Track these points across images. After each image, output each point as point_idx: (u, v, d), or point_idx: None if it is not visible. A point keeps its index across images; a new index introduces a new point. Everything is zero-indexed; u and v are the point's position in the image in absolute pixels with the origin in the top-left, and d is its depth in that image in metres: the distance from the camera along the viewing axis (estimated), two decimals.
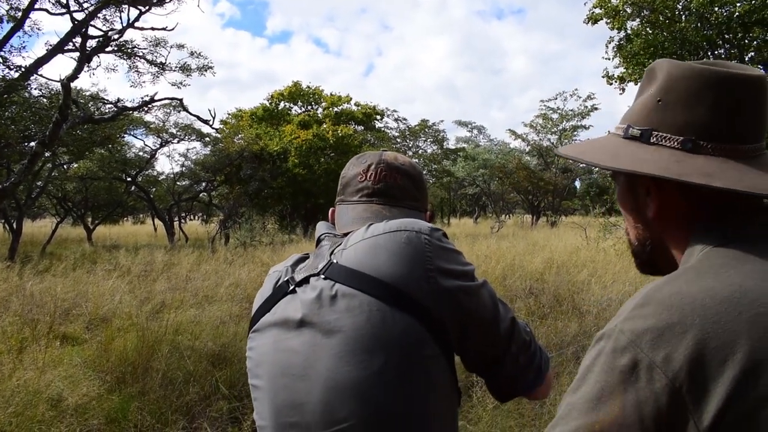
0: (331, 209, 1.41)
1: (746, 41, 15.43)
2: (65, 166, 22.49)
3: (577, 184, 54.12)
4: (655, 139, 0.86)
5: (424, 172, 32.01)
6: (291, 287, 1.17)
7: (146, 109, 17.98)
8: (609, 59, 17.05)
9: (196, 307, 7.68)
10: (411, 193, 1.35)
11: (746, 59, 15.48)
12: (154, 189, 27.05)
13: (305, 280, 1.16)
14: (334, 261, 1.13)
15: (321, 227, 1.32)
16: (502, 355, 1.15)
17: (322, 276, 1.12)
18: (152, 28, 15.52)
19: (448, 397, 1.11)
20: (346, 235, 1.23)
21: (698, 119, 0.82)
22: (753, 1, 13.81)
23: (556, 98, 41.71)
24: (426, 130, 41.24)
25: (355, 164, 1.38)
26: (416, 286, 1.07)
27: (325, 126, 26.78)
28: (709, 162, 0.81)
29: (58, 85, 13.36)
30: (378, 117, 31.55)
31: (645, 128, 0.87)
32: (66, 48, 13.46)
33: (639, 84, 0.94)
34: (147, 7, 14.58)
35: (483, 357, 1.16)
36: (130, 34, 16.13)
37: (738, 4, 14.12)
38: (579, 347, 5.41)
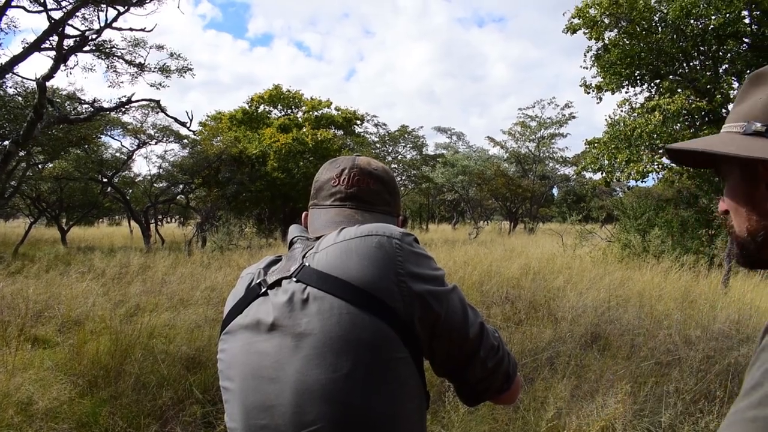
0: (304, 213, 1.43)
1: (720, 53, 15.67)
2: (40, 166, 22.17)
3: (555, 191, 54.62)
4: None
5: (403, 178, 32.11)
6: (263, 290, 1.18)
7: (123, 110, 17.83)
8: (587, 68, 17.24)
9: (171, 310, 7.61)
10: (383, 197, 1.37)
11: (720, 71, 15.74)
12: (130, 190, 26.78)
13: (277, 283, 1.17)
14: (306, 264, 1.15)
15: (294, 230, 1.34)
16: (470, 359, 1.16)
17: (294, 279, 1.14)
18: (131, 29, 15.40)
19: (416, 399, 1.12)
20: (318, 238, 1.24)
21: None
22: (727, 15, 14.03)
23: (534, 106, 42.14)
24: (405, 135, 41.37)
25: (329, 169, 1.39)
26: (387, 289, 1.08)
27: (304, 130, 26.72)
28: None
29: (34, 84, 13.20)
30: (358, 122, 31.54)
31: None
32: (42, 46, 13.29)
33: (740, 90, 0.96)
34: (126, 8, 14.44)
35: (452, 361, 1.17)
36: (108, 34, 15.94)
37: (713, 17, 14.34)
38: (553, 353, 5.44)
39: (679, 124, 14.74)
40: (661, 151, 15.46)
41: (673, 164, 15.78)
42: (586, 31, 16.28)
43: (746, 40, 15.29)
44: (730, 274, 10.77)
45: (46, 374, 4.67)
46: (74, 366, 4.98)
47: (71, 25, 13.89)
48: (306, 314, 1.08)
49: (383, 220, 1.31)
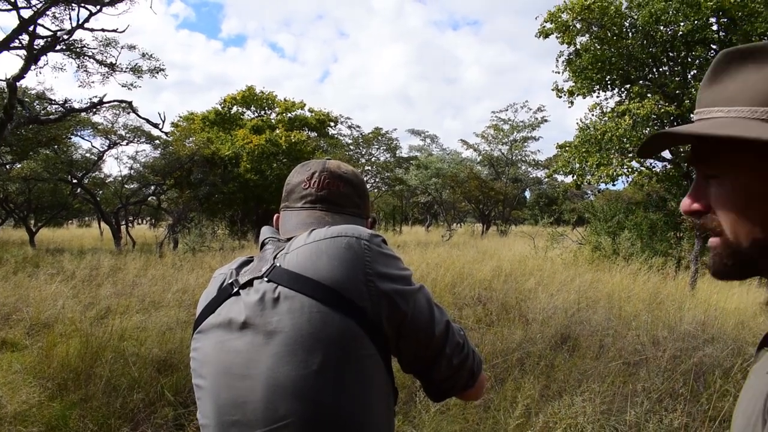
0: (275, 215, 1.46)
1: (689, 59, 15.97)
2: (8, 166, 21.79)
3: (528, 194, 55.09)
4: None
5: (377, 180, 32.02)
6: (235, 289, 1.21)
7: (95, 110, 17.62)
8: (559, 73, 17.42)
9: (142, 312, 7.56)
10: (353, 200, 1.41)
11: (689, 77, 16.03)
12: (101, 192, 26.43)
13: (249, 283, 1.20)
14: (278, 264, 1.18)
15: (265, 231, 1.37)
16: (436, 356, 1.20)
17: (266, 279, 1.17)
18: (102, 30, 15.24)
19: (384, 395, 1.16)
20: (289, 239, 1.27)
21: None
22: (695, 21, 14.31)
23: (507, 109, 42.54)
24: (379, 138, 41.38)
25: (300, 172, 1.43)
26: (355, 289, 1.12)
27: (278, 131, 26.63)
28: None
29: (3, 84, 12.99)
30: (332, 124, 31.52)
31: None
32: (12, 45, 13.08)
33: (714, 69, 0.85)
34: (98, 8, 14.27)
35: (418, 358, 1.21)
36: (80, 34, 15.73)
37: (681, 24, 14.61)
38: (524, 353, 5.52)
39: (648, 129, 14.96)
40: (630, 155, 15.72)
41: (642, 168, 16.10)
42: (559, 35, 16.44)
43: (714, 46, 15.59)
44: (697, 275, 10.99)
45: (14, 377, 4.63)
46: (43, 369, 4.93)
47: (42, 25, 13.70)
48: (277, 313, 1.11)
49: (353, 222, 1.36)
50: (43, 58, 14.52)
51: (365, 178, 38.43)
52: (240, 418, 1.12)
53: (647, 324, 6.52)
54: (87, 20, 14.43)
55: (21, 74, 12.75)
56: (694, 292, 9.36)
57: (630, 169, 15.64)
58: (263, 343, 1.11)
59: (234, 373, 1.13)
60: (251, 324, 1.13)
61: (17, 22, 12.85)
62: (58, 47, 14.84)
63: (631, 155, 15.70)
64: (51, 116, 16.44)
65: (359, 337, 1.10)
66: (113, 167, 70.53)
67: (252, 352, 1.12)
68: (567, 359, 5.46)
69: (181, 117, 30.59)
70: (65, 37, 14.49)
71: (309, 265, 1.14)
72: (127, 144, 23.08)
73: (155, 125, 18.92)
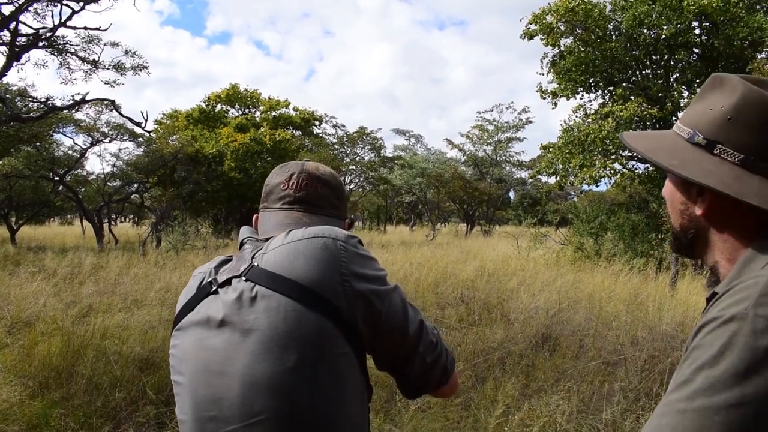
0: (255, 215, 1.49)
1: (671, 62, 16.14)
2: None
3: (512, 194, 55.31)
4: (718, 151, 0.94)
5: (361, 179, 31.96)
6: (214, 288, 1.23)
7: (77, 108, 17.49)
8: (543, 74, 17.54)
9: (124, 311, 7.53)
10: (331, 201, 1.44)
11: (671, 80, 16.21)
12: (83, 189, 26.23)
13: (228, 282, 1.22)
14: (255, 264, 1.20)
15: (244, 231, 1.40)
16: (410, 354, 1.24)
17: (244, 278, 1.19)
18: (85, 28, 15.15)
19: (359, 393, 1.20)
20: (268, 239, 1.30)
21: (761, 143, 0.92)
22: (678, 25, 14.46)
23: (493, 110, 42.62)
24: (364, 137, 41.35)
25: (279, 173, 1.46)
26: (331, 288, 1.14)
27: (262, 130, 26.61)
28: (764, 183, 0.90)
29: None
30: (316, 122, 31.52)
31: (711, 139, 0.95)
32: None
33: (701, 90, 1.02)
34: (81, 5, 14.16)
35: (392, 356, 1.24)
36: (63, 30, 15.57)
37: (664, 27, 14.75)
38: (505, 353, 5.57)
39: (631, 131, 15.09)
40: (613, 156, 15.85)
41: (624, 170, 16.26)
42: (543, 37, 16.55)
43: (696, 50, 15.79)
44: (677, 276, 11.11)
45: None
46: (24, 367, 4.90)
47: (24, 23, 13.56)
48: (254, 311, 1.14)
49: (330, 222, 1.39)
50: (25, 54, 14.39)
51: (349, 178, 38.54)
52: (217, 414, 1.14)
53: (627, 324, 6.60)
54: (70, 18, 14.32)
55: (2, 72, 12.63)
56: (674, 293, 9.46)
57: (613, 171, 15.81)
58: (240, 340, 1.13)
59: (212, 370, 1.16)
60: (229, 322, 1.16)
61: None
62: (40, 44, 14.70)
63: (613, 157, 15.84)
64: (32, 114, 16.29)
65: (334, 336, 1.13)
66: (96, 165, 69.91)
67: (229, 350, 1.14)
68: (547, 359, 5.52)
69: (164, 114, 30.48)
70: (47, 34, 14.35)
71: (286, 265, 1.16)
72: (110, 141, 22.97)
73: (138, 124, 18.88)
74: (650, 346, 5.60)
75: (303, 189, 1.41)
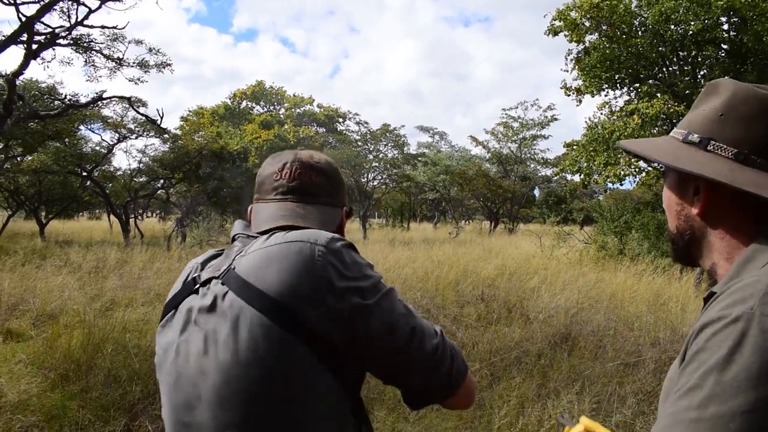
0: (249, 207, 1.41)
1: (699, 59, 15.88)
2: (18, 159, 21.95)
3: (536, 192, 54.92)
4: (711, 147, 0.95)
5: (384, 176, 31.86)
6: (196, 287, 1.20)
7: (93, 105, 17.73)
8: (567, 71, 17.35)
9: (147, 305, 7.63)
10: (326, 189, 1.37)
11: (698, 76, 15.94)
12: (110, 185, 26.55)
13: (209, 281, 1.18)
14: (233, 267, 1.15)
15: (237, 226, 1.36)
16: (404, 367, 1.16)
17: (220, 281, 1.15)
18: (102, 27, 15.35)
19: (333, 410, 1.12)
20: (261, 233, 1.25)
21: (753, 137, 0.93)
22: (705, 21, 14.21)
23: (518, 107, 42.43)
24: (387, 134, 41.33)
25: (271, 163, 1.39)
26: (301, 301, 1.07)
27: (286, 127, 26.73)
28: (758, 175, 0.91)
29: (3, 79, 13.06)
30: (340, 119, 31.57)
31: (704, 136, 0.97)
32: (19, 39, 13.09)
33: (698, 98, 1.04)
34: (98, 4, 14.28)
35: (382, 371, 1.18)
36: (87, 29, 15.72)
37: (691, 23, 14.50)
38: (521, 352, 5.54)
39: (657, 128, 14.89)
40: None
41: (649, 168, 16.04)
42: (567, 33, 16.35)
43: (724, 46, 15.49)
44: (702, 276, 10.95)
45: (17, 367, 4.69)
46: (46, 359, 4.99)
47: (42, 22, 13.65)
48: (224, 320, 1.10)
49: (326, 212, 1.34)
50: (50, 52, 14.59)
51: (372, 175, 38.54)
52: (191, 421, 1.12)
53: (649, 325, 6.52)
54: (86, 17, 14.44)
55: (20, 70, 12.80)
56: (698, 293, 9.33)
57: (637, 169, 15.59)
58: (210, 350, 1.10)
59: (186, 375, 1.13)
60: (202, 329, 1.12)
61: (17, 18, 12.75)
62: (64, 42, 14.88)
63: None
64: (51, 112, 16.53)
65: (302, 354, 1.06)
66: (122, 161, 70.83)
67: (200, 358, 1.11)
68: (565, 359, 5.47)
69: (190, 111, 30.73)
70: (64, 34, 14.51)
71: (258, 274, 1.10)
72: (136, 137, 23.22)
73: (154, 121, 19.09)
74: (670, 348, 5.53)
75: (296, 178, 1.34)
